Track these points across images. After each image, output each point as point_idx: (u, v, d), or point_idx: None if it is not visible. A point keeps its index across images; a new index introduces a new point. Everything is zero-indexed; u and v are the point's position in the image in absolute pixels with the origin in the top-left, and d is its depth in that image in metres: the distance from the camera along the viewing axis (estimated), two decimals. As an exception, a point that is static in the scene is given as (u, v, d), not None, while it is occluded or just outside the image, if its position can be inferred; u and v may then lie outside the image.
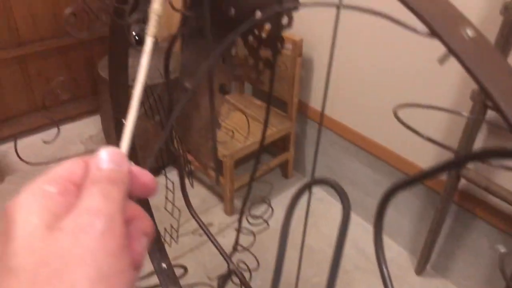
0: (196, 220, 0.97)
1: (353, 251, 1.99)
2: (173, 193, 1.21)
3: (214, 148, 0.67)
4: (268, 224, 1.12)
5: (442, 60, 0.41)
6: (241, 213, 0.87)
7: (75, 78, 2.64)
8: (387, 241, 2.04)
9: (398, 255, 1.99)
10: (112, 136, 2.41)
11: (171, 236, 1.05)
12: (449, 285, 1.85)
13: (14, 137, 2.50)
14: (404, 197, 1.91)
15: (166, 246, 1.09)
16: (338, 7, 0.41)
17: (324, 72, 2.05)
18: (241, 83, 2.39)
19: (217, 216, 2.14)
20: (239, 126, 2.11)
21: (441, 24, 0.38)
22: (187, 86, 0.66)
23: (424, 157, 1.78)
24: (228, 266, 0.87)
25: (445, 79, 1.60)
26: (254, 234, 1.06)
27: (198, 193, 2.28)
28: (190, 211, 0.97)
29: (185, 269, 1.15)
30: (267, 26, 0.59)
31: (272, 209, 1.24)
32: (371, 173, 2.03)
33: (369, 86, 1.86)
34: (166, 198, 1.16)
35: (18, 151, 2.49)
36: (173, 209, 1.07)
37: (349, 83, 1.96)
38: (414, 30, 0.40)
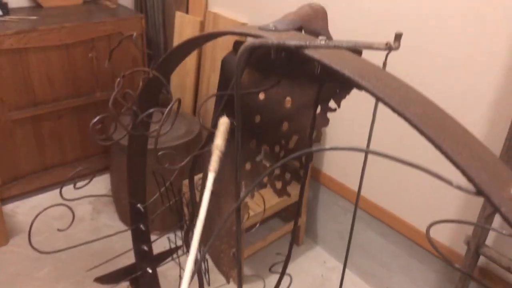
0: None
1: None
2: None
3: (238, 260, 0.64)
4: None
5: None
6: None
7: (87, 138, 2.65)
8: (403, 316, 1.96)
9: (415, 332, 1.90)
10: (121, 197, 2.38)
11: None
12: None
13: (24, 195, 2.49)
14: (421, 270, 1.85)
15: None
16: (366, 152, 0.40)
17: (338, 137, 2.05)
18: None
19: None
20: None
21: (489, 185, 0.36)
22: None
23: (440, 230, 1.73)
24: None
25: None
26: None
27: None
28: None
29: None
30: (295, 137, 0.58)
31: (291, 281, 1.19)
32: (385, 243, 1.97)
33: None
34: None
35: (26, 211, 2.46)
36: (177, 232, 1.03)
37: (360, 152, 1.95)
38: (459, 187, 0.38)
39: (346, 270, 2.17)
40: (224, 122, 0.56)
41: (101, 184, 2.70)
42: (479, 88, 1.48)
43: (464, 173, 0.38)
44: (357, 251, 2.10)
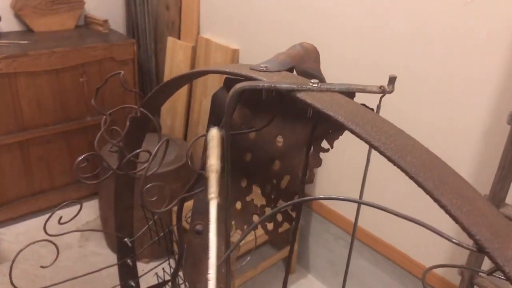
0: None
1: None
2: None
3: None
4: None
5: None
6: None
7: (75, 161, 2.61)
8: None
9: None
10: (110, 223, 2.34)
11: None
12: None
13: (10, 221, 2.43)
14: (413, 300, 1.82)
15: None
16: (359, 203, 0.39)
17: (330, 163, 2.04)
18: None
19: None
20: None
21: (491, 243, 0.34)
22: (198, 229, 0.62)
23: (433, 258, 1.71)
24: None
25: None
26: None
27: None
28: None
29: None
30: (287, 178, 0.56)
31: None
32: (378, 272, 1.94)
33: (374, 182, 1.83)
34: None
35: (12, 239, 2.40)
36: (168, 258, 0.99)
37: (354, 179, 1.93)
38: (460, 244, 0.36)
39: (339, 299, 2.13)
40: (214, 136, 0.52)
41: (89, 210, 2.65)
42: (466, 122, 1.49)
43: (464, 229, 0.37)
44: (350, 280, 2.07)
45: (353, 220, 1.98)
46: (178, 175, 2.19)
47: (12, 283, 0.91)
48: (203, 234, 0.63)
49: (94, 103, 0.67)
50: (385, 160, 0.42)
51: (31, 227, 2.48)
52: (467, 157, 1.53)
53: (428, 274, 1.73)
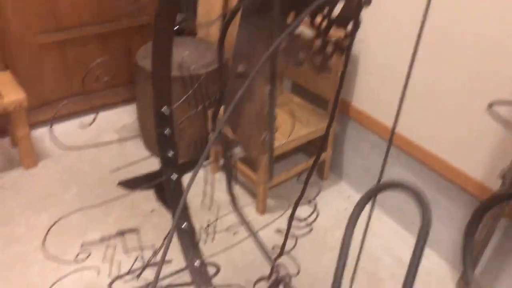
0: (239, 215, 0.90)
1: (389, 259, 1.89)
2: (212, 188, 1.16)
3: (271, 141, 0.60)
4: (311, 229, 1.05)
5: None
6: (292, 215, 0.81)
7: (113, 66, 2.63)
8: (427, 251, 1.94)
9: (438, 266, 1.88)
10: (147, 126, 2.38)
11: (207, 233, 1.00)
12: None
13: (50, 122, 2.51)
14: (449, 206, 1.81)
15: (200, 243, 1.04)
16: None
17: (370, 68, 1.96)
18: (280, 79, 2.32)
19: (248, 214, 2.08)
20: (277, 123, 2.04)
21: None
22: (241, 71, 0.60)
23: (473, 164, 1.67)
24: (272, 270, 0.81)
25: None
26: (296, 239, 0.99)
27: (230, 188, 2.23)
28: (234, 207, 0.90)
29: (218, 268, 1.09)
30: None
31: (318, 213, 1.17)
32: (413, 179, 1.92)
33: (415, 87, 1.76)
34: (205, 193, 1.10)
35: (56, 135, 2.48)
36: (211, 204, 1.01)
37: (394, 83, 1.86)
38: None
39: (369, 205, 2.15)
40: None
41: (127, 114, 2.70)
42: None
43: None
44: (383, 187, 2.07)
45: (389, 126, 1.94)
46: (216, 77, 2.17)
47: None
48: (245, 76, 0.60)
49: None
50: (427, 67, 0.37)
51: (72, 126, 2.55)
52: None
53: (465, 179, 1.70)
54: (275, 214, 2.06)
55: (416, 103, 1.79)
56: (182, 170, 1.03)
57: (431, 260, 1.90)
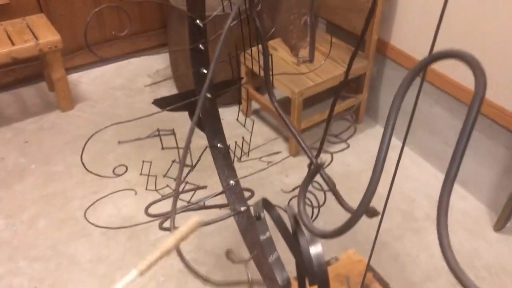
0: (278, 112, 0.88)
1: (425, 200, 1.86)
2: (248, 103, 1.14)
3: (312, 22, 0.57)
4: (348, 145, 1.03)
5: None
6: (328, 123, 0.78)
7: (145, 10, 2.61)
8: (463, 193, 1.89)
9: (476, 209, 1.84)
10: (179, 70, 2.37)
11: (242, 149, 0.99)
12: (532, 245, 1.69)
13: (86, 66, 2.53)
14: (489, 146, 1.74)
15: (235, 162, 1.03)
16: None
17: (409, 6, 1.87)
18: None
19: (281, 156, 2.07)
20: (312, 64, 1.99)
21: None
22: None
23: (519, 101, 1.59)
24: (311, 163, 0.79)
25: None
26: (332, 156, 0.97)
27: (261, 132, 2.22)
28: (274, 106, 0.88)
29: (252, 192, 1.09)
30: None
31: (348, 145, 1.14)
32: (452, 119, 1.85)
33: (455, 20, 1.67)
34: (240, 108, 1.08)
35: (89, 81, 2.52)
36: (245, 120, 1.00)
37: (433, 16, 1.77)
38: None
39: (405, 148, 2.09)
40: (195, 224, 0.48)
41: (160, 59, 2.70)
42: None
43: None
44: (420, 128, 2.01)
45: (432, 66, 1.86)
46: None
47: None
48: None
49: None
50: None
51: (106, 72, 2.58)
52: None
53: (508, 117, 1.62)
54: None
55: (455, 40, 1.70)
56: (216, 89, 1.02)
57: (468, 202, 1.86)
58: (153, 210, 1.11)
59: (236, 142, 1.02)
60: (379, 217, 0.77)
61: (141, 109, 2.31)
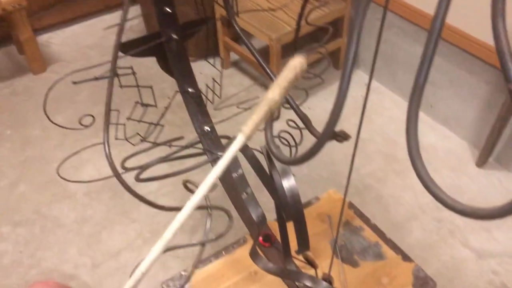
0: (250, 49, 0.84)
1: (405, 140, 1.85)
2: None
3: None
4: (323, 80, 1.00)
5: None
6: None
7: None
8: (447, 132, 1.89)
9: (458, 146, 1.84)
10: (152, 24, 2.29)
11: (213, 92, 0.95)
12: (513, 177, 1.71)
13: (56, 27, 2.43)
14: (470, 82, 1.72)
15: (208, 107, 1.00)
16: None
17: None
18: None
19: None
20: (289, 8, 1.93)
21: None
22: None
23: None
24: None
25: None
26: (306, 91, 0.94)
27: (241, 83, 2.17)
28: (242, 38, 0.84)
29: (229, 138, 1.06)
30: None
31: (323, 80, 1.11)
32: (436, 58, 1.82)
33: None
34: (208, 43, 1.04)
35: (60, 41, 2.43)
36: (214, 60, 0.96)
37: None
38: None
39: (386, 90, 2.08)
40: (297, 64, 0.37)
41: (132, 14, 2.59)
42: None
43: None
44: (400, 70, 1.98)
45: (407, 1, 1.81)
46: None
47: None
48: None
49: None
50: None
51: (77, 31, 2.48)
52: None
53: (488, 51, 1.60)
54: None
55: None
56: (183, 30, 0.97)
57: (451, 141, 1.86)
58: (130, 164, 1.08)
59: (207, 85, 0.98)
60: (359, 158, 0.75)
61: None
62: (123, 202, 1.67)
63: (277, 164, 0.67)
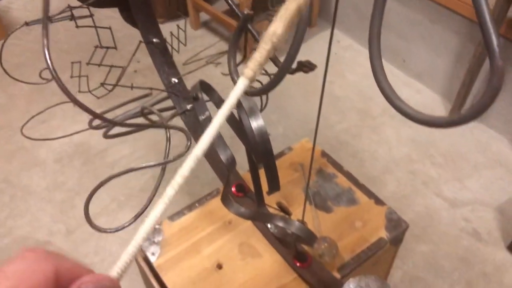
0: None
1: (381, 96, 1.85)
2: None
3: None
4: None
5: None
6: None
7: None
8: (419, 86, 1.90)
9: (430, 99, 1.85)
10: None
11: (178, 40, 0.92)
12: (485, 129, 1.73)
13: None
14: (442, 34, 1.72)
15: (174, 55, 0.97)
16: None
17: None
18: None
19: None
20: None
21: None
22: None
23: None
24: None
25: None
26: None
27: (212, 43, 2.13)
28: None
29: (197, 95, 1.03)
30: None
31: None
32: (405, 11, 1.81)
33: None
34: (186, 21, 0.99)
35: (20, 7, 2.31)
36: (185, 21, 0.92)
37: None
38: None
39: (359, 47, 2.06)
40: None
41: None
42: None
43: None
44: (374, 26, 1.96)
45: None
46: None
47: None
48: None
49: None
50: None
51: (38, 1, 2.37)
52: None
53: (465, 2, 1.59)
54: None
55: None
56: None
57: (424, 94, 1.87)
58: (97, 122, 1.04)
59: (171, 32, 0.94)
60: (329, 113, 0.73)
61: (82, 30, 2.16)
62: (95, 168, 1.63)
63: (246, 105, 0.65)
